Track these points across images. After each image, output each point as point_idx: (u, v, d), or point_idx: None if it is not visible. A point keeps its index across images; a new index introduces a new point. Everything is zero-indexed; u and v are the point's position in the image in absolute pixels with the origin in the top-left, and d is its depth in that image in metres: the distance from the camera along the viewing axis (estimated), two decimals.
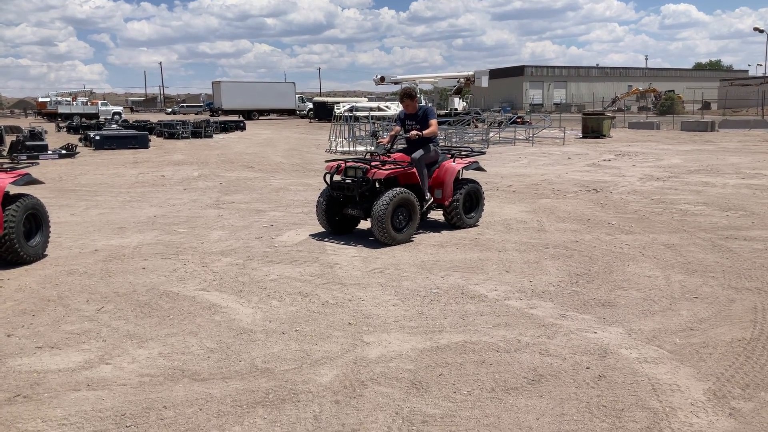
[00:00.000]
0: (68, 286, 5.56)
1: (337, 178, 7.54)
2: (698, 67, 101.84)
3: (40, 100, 60.46)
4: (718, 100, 58.01)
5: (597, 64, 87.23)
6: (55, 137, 27.17)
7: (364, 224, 7.95)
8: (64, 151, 19.29)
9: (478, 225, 8.04)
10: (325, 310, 4.88)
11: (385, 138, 8.18)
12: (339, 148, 20.48)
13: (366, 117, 24.14)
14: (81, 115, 48.39)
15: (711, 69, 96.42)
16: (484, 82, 41.27)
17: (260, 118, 56.61)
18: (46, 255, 6.58)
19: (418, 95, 8.16)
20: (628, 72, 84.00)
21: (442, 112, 35.44)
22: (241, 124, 35.48)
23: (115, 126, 29.86)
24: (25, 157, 17.46)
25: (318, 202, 7.58)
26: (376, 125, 22.29)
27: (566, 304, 4.98)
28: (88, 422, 3.19)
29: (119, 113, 55.71)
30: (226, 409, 3.32)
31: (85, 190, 11.89)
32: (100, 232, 7.97)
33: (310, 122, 48.99)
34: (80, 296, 5.27)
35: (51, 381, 3.67)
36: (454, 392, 3.49)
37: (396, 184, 7.26)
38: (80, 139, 24.90)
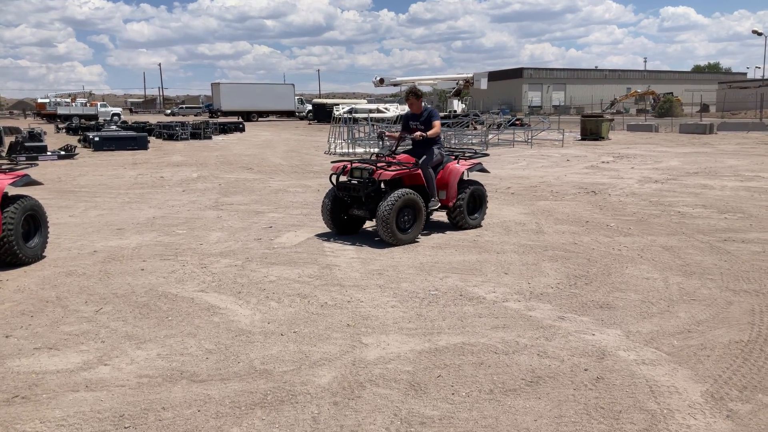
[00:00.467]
0: (67, 287, 5.56)
1: (342, 179, 7.57)
2: (697, 69, 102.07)
3: (40, 101, 60.46)
4: (717, 102, 58.09)
5: (596, 67, 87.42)
6: (54, 138, 27.17)
7: (367, 224, 7.96)
8: (63, 152, 19.29)
9: (481, 226, 8.07)
10: (324, 311, 4.88)
11: (393, 132, 8.20)
12: (338, 150, 20.50)
13: (365, 119, 24.16)
14: (80, 116, 48.42)
15: (710, 71, 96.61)
16: (483, 84, 41.33)
17: (259, 119, 56.64)
18: (45, 256, 6.58)
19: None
20: (627, 74, 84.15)
21: (442, 114, 35.45)
22: (240, 126, 35.48)
23: (114, 127, 29.86)
24: (24, 158, 17.46)
25: (323, 202, 7.61)
26: (376, 126, 22.30)
27: (564, 306, 4.98)
28: (87, 423, 3.19)
29: (118, 114, 55.72)
30: (224, 410, 3.33)
31: (84, 191, 11.89)
32: (99, 233, 7.97)
33: (309, 124, 49.01)
34: (79, 297, 5.27)
35: (49, 382, 3.67)
36: (453, 394, 3.49)
37: (401, 185, 7.30)
38: (79, 140, 24.89)
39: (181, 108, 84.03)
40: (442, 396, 3.47)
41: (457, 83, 42.10)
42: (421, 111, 7.72)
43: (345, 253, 6.75)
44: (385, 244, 7.07)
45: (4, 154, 19.04)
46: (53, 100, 56.86)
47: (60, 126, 37.08)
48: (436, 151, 7.61)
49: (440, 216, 8.31)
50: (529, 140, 24.69)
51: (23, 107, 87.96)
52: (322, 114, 47.23)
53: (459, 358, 3.97)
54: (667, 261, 6.32)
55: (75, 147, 20.95)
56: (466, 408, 3.34)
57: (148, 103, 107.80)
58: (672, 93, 59.52)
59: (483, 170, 8.45)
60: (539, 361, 3.91)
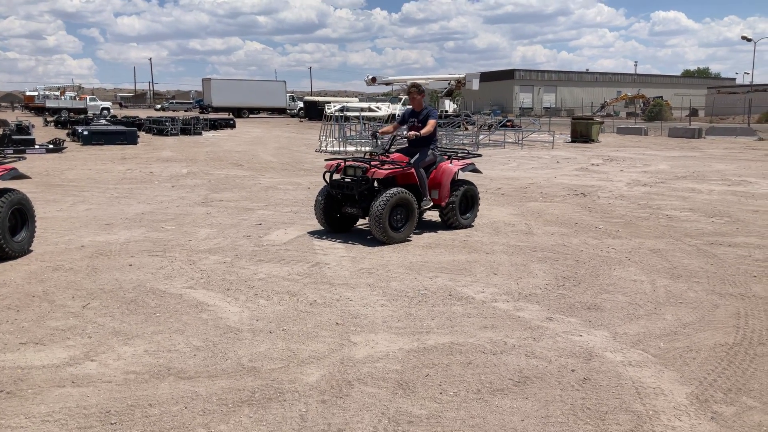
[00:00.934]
0: (54, 281, 5.52)
1: (336, 177, 7.60)
2: (686, 74, 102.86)
3: (28, 93, 59.96)
4: (706, 107, 58.62)
5: (587, 69, 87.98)
6: (42, 132, 26.93)
7: (360, 222, 7.96)
8: (51, 146, 19.11)
9: (473, 226, 8.11)
10: (313, 309, 4.88)
11: (386, 127, 8.34)
12: (329, 148, 20.47)
13: (356, 117, 24.14)
14: (69, 110, 48.05)
15: (699, 76, 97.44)
16: (475, 84, 41.42)
17: (250, 116, 56.40)
18: (32, 250, 6.53)
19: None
20: (618, 78, 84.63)
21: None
22: (231, 122, 35.35)
23: (103, 121, 29.54)
24: (11, 152, 17.26)
25: (316, 200, 7.63)
26: (368, 125, 22.30)
27: (553, 306, 5.01)
28: (72, 419, 3.17)
29: (108, 109, 55.36)
30: (211, 407, 3.31)
31: (72, 186, 11.80)
32: (87, 228, 7.91)
33: (301, 121, 48.90)
34: (66, 292, 5.23)
35: (35, 377, 3.64)
36: (440, 393, 3.50)
37: (394, 184, 7.34)
38: (68, 134, 24.67)
39: (172, 103, 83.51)
40: (430, 395, 3.48)
41: (449, 83, 42.15)
42: (421, 109, 7.79)
43: (335, 252, 6.75)
44: (376, 242, 7.07)
45: None
46: (42, 93, 56.31)
47: (48, 119, 36.75)
48: (429, 150, 7.66)
49: (430, 216, 8.32)
50: (520, 142, 24.77)
51: (11, 100, 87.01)
52: (313, 112, 47.10)
53: (447, 357, 3.99)
54: (655, 264, 6.37)
55: (63, 141, 20.76)
56: (454, 407, 3.35)
57: (138, 98, 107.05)
58: (662, 97, 59.96)
59: (475, 170, 8.50)
60: (527, 362, 3.93)
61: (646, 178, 13.92)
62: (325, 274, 5.84)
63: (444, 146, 20.24)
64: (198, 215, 8.88)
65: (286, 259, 6.43)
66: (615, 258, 6.58)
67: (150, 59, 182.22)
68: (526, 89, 78.27)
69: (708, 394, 3.53)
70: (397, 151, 8.00)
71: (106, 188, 11.53)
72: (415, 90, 7.73)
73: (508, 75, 79.20)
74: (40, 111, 50.50)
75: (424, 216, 8.16)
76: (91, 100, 57.25)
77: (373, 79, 42.49)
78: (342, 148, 20.27)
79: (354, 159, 7.67)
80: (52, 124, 33.24)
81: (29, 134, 19.71)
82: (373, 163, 7.37)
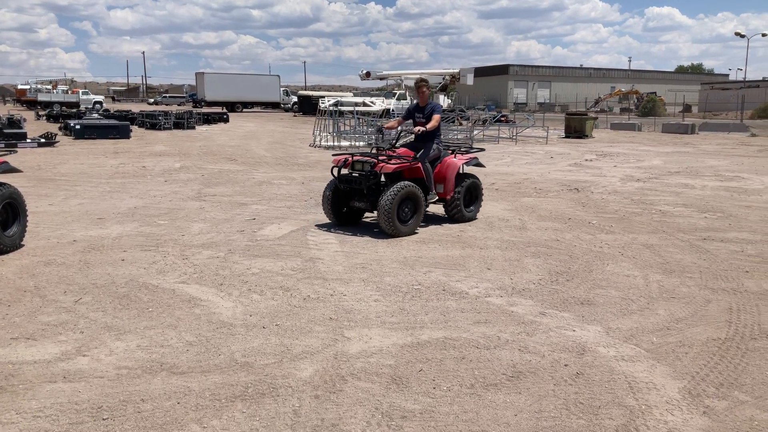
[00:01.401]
0: (45, 276, 5.49)
1: (344, 171, 7.73)
2: (680, 70, 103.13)
3: (20, 87, 59.47)
4: (699, 103, 58.77)
5: (581, 65, 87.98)
6: (34, 125, 26.74)
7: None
8: (43, 140, 18.98)
9: (476, 218, 8.25)
10: (307, 304, 4.87)
11: (391, 122, 8.52)
12: (323, 143, 20.41)
13: (351, 112, 24.08)
14: (61, 104, 47.72)
15: (693, 72, 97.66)
16: (470, 80, 41.35)
17: (244, 110, 56.20)
18: (23, 245, 6.48)
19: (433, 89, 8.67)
20: (612, 73, 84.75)
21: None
22: (225, 116, 35.18)
23: (95, 115, 29.43)
24: (2, 145, 17.15)
25: (324, 194, 7.78)
26: (361, 120, 22.26)
27: (546, 301, 5.02)
28: (64, 414, 3.15)
29: (100, 102, 54.98)
30: (204, 402, 3.30)
31: (64, 180, 11.72)
32: (79, 222, 7.86)
33: (295, 116, 48.74)
34: (57, 287, 5.19)
35: (26, 372, 3.61)
36: (434, 388, 3.50)
37: (401, 178, 7.46)
38: (60, 128, 24.50)
39: (165, 97, 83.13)
40: (423, 390, 3.48)
41: (444, 78, 42.07)
42: (425, 104, 7.94)
43: (329, 247, 6.74)
44: (369, 237, 7.07)
45: None
46: (34, 86, 55.95)
47: (40, 113, 36.50)
48: (434, 145, 7.81)
49: (434, 209, 8.37)
50: (514, 137, 24.79)
51: (2, 93, 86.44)
52: (307, 106, 46.98)
53: (441, 352, 3.99)
54: (648, 259, 6.39)
55: (55, 135, 20.63)
56: (447, 402, 3.35)
57: (131, 92, 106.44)
58: (655, 93, 60.11)
59: (479, 165, 8.74)
60: (520, 356, 3.94)
61: (640, 173, 13.96)
62: (318, 269, 5.83)
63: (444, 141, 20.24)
64: (191, 210, 8.84)
65: (279, 254, 6.41)
66: (608, 253, 6.60)
67: (143, 53, 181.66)
68: (520, 84, 78.28)
69: (700, 388, 3.55)
70: (402, 145, 8.19)
71: (99, 182, 11.46)
72: (423, 84, 7.92)
73: (502, 70, 79.16)
74: (31, 105, 50.16)
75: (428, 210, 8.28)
76: (83, 93, 56.87)
77: (368, 74, 42.41)
78: (336, 143, 20.22)
79: (362, 154, 7.85)
80: (44, 117, 33.00)
81: (21, 128, 19.57)
82: (380, 157, 7.51)
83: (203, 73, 58.10)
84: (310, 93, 56.08)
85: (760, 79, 66.25)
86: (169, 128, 27.47)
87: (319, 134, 21.37)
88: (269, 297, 5.03)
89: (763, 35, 55.27)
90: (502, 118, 30.80)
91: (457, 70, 42.10)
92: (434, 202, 7.97)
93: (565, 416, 3.22)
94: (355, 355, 3.92)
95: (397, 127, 8.29)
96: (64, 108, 40.81)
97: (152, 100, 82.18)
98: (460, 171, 8.19)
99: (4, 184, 6.31)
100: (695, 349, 4.10)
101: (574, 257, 6.42)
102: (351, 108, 26.17)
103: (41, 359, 3.80)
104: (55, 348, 3.97)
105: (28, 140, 18.65)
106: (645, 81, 79.17)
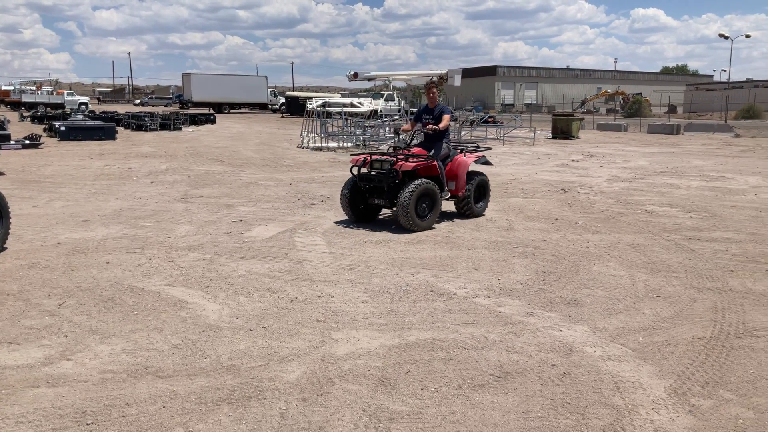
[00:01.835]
0: (29, 279, 5.42)
1: (362, 170, 7.98)
2: (665, 71, 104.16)
3: (4, 88, 58.72)
4: (684, 104, 59.39)
5: (567, 66, 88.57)
6: (18, 127, 26.45)
7: (330, 216, 7.93)
8: (27, 142, 18.76)
9: (484, 214, 8.59)
10: (294, 306, 4.84)
11: (406, 125, 8.87)
12: (311, 144, 20.37)
13: (339, 113, 24.05)
14: (46, 105, 47.26)
15: (678, 73, 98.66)
16: (457, 80, 41.35)
17: (231, 111, 55.97)
18: (7, 248, 6.40)
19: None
20: (598, 74, 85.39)
21: (414, 110, 35.45)
22: (212, 117, 35.00)
23: (81, 116, 29.16)
24: None
25: (342, 192, 8.03)
26: (349, 121, 22.21)
27: (533, 302, 5.03)
28: (47, 420, 3.11)
29: (86, 103, 54.52)
30: (190, 406, 3.27)
31: (48, 182, 11.60)
32: (64, 224, 7.78)
33: (282, 117, 48.61)
34: (41, 290, 5.13)
35: (8, 377, 3.56)
36: (422, 389, 3.50)
37: (417, 176, 7.72)
38: (45, 130, 24.22)
39: (151, 98, 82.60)
40: (411, 391, 3.47)
41: (431, 79, 42.16)
42: (434, 106, 8.31)
43: (316, 248, 6.71)
44: (357, 239, 7.06)
45: None
46: (18, 87, 55.33)
47: (25, 114, 36.07)
48: (444, 145, 8.16)
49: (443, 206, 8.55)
50: (501, 138, 24.88)
51: None
52: (295, 107, 46.88)
53: (428, 353, 3.98)
54: (634, 258, 6.43)
55: (40, 136, 20.40)
56: (435, 403, 3.34)
57: (117, 93, 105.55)
58: (641, 93, 60.61)
59: (486, 163, 9.13)
60: (507, 357, 3.94)
61: (626, 173, 14.05)
62: (306, 271, 5.81)
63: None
64: (177, 211, 8.78)
65: (266, 255, 6.38)
66: (595, 253, 6.63)
67: (129, 53, 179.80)
68: (507, 85, 78.64)
69: (686, 387, 3.57)
70: (416, 145, 8.50)
71: (84, 184, 11.35)
72: (433, 86, 8.36)
73: (489, 71, 79.49)
74: (16, 106, 49.61)
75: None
76: (68, 94, 56.39)
77: (355, 75, 42.32)
78: (324, 144, 20.18)
79: (380, 153, 8.26)
80: (29, 119, 32.65)
81: (5, 129, 19.31)
82: (399, 157, 7.78)
83: (190, 73, 57.78)
84: (298, 94, 55.93)
85: (744, 80, 67.08)
86: (156, 129, 27.26)
87: (307, 135, 21.32)
88: (256, 299, 5.00)
89: (747, 36, 55.89)
90: (490, 119, 30.89)
91: (444, 71, 42.15)
92: (447, 199, 8.27)
93: (553, 416, 3.23)
94: (342, 357, 3.91)
95: (412, 129, 8.57)
96: (49, 109, 40.44)
97: (138, 101, 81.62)
98: (469, 169, 8.48)
99: None
100: (681, 349, 4.12)
101: (561, 257, 6.44)
102: (339, 109, 26.14)
103: (24, 364, 3.75)
104: (38, 352, 3.92)
105: (12, 142, 18.42)
106: (631, 82, 79.84)
